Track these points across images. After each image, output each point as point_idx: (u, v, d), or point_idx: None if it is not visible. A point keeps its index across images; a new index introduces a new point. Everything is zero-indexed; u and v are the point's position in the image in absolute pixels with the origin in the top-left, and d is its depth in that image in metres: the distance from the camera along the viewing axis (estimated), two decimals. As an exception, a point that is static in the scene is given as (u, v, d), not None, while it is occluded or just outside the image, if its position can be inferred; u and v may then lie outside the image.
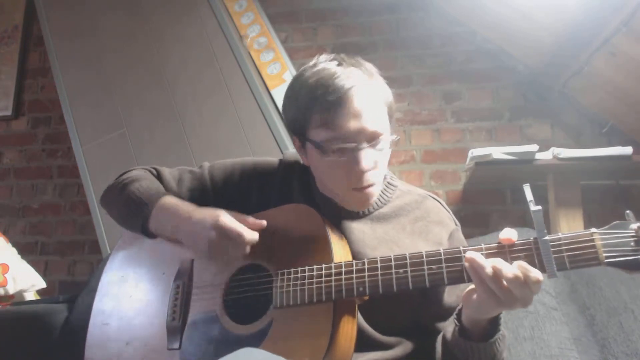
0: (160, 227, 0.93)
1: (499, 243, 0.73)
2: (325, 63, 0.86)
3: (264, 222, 0.87)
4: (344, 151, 0.81)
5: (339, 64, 0.85)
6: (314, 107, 0.82)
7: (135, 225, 0.95)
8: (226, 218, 0.84)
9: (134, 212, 0.94)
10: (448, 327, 0.85)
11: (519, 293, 0.66)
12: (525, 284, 0.66)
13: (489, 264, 0.68)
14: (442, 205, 1.00)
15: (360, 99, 0.81)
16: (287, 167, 1.01)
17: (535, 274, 0.66)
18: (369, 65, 0.88)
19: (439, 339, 0.89)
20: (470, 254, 0.70)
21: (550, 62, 2.06)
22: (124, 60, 2.16)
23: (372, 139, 0.82)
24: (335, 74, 0.82)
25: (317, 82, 0.82)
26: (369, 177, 0.83)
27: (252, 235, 0.83)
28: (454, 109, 2.25)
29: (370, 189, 0.85)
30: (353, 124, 0.80)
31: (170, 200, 0.94)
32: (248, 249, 0.84)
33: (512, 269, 0.67)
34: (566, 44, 1.90)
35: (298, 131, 0.88)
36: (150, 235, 0.95)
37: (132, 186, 0.96)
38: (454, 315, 0.82)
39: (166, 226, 0.91)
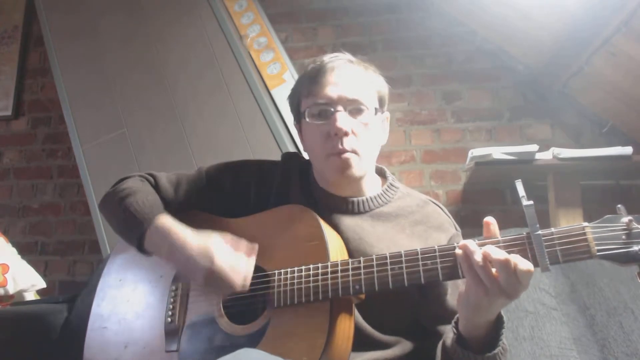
0: (154, 249, 0.90)
1: (491, 238, 0.73)
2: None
3: (256, 246, 0.86)
4: (322, 114, 0.89)
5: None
6: (304, 82, 0.93)
7: (130, 242, 0.94)
8: (220, 259, 0.82)
9: (129, 229, 0.92)
10: (448, 333, 0.84)
11: (505, 281, 0.67)
12: (513, 272, 0.66)
13: (480, 250, 0.70)
14: (443, 210, 1.00)
15: (340, 71, 0.90)
16: (286, 165, 1.02)
17: (526, 264, 0.67)
18: (367, 62, 0.96)
19: (440, 344, 0.87)
20: (463, 242, 0.72)
21: (550, 62, 2.06)
22: (124, 60, 2.16)
23: (350, 105, 0.89)
24: (326, 56, 0.93)
25: (310, 65, 0.94)
26: (345, 142, 0.87)
27: (244, 286, 0.83)
28: (454, 109, 2.25)
29: (347, 155, 0.88)
30: (331, 90, 0.89)
31: (164, 221, 0.90)
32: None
33: (501, 253, 0.68)
34: (566, 44, 1.90)
35: (295, 114, 0.97)
36: (146, 253, 0.92)
37: (128, 201, 0.93)
38: (452, 323, 0.81)
39: (160, 249, 0.89)
